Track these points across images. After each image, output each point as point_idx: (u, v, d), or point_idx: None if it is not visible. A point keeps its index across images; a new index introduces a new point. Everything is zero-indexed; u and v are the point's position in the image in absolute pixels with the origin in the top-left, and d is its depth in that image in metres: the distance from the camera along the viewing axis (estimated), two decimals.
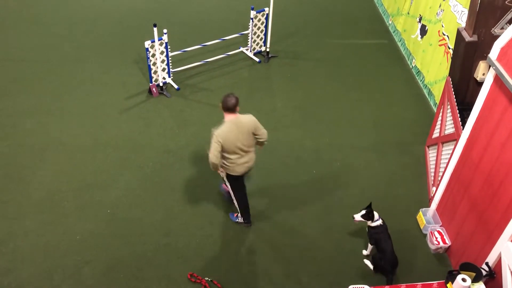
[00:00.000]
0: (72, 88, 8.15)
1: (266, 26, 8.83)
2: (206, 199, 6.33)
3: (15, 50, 9.00)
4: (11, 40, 9.27)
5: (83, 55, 8.98)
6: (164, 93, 8.10)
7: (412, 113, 8.00)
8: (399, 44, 9.76)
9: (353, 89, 8.51)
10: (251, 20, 8.57)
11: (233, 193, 5.77)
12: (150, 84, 8.05)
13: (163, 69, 8.08)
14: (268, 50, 9.10)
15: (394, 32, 10.08)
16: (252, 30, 8.76)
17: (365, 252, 5.76)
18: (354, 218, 5.49)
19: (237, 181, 5.64)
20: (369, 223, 5.47)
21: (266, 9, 8.63)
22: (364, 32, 10.20)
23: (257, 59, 9.06)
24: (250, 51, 9.14)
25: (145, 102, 7.93)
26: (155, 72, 8.00)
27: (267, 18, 8.71)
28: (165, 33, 7.65)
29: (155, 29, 7.41)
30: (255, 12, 8.53)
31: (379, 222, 5.43)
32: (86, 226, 5.90)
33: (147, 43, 7.55)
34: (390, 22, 10.33)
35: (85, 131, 7.28)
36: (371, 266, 5.60)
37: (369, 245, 5.63)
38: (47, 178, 6.49)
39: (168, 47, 7.90)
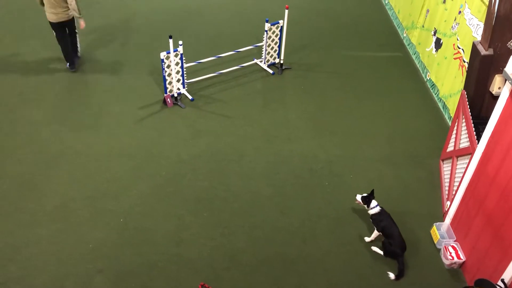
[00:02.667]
0: (88, 97, 8.26)
1: (280, 38, 8.88)
2: (218, 209, 6.34)
3: (33, 60, 9.17)
4: (29, 51, 9.45)
5: (98, 66, 9.10)
6: (179, 103, 8.16)
7: (426, 126, 7.94)
8: (413, 57, 9.73)
9: (367, 101, 8.49)
10: (265, 32, 8.63)
11: (57, 40, 8.56)
12: (165, 95, 8.12)
13: (178, 80, 8.16)
14: (282, 62, 9.14)
15: (408, 45, 10.06)
16: (266, 42, 8.81)
17: (367, 239, 5.98)
18: (356, 197, 6.03)
19: (57, 29, 8.35)
20: (367, 209, 5.89)
21: (281, 21, 8.69)
22: (378, 45, 10.19)
23: (271, 71, 9.10)
24: (264, 62, 9.19)
25: (160, 112, 8.00)
26: (170, 83, 8.08)
27: (281, 31, 8.76)
28: (181, 45, 7.74)
29: (170, 40, 7.50)
30: (269, 25, 8.59)
31: (375, 210, 5.82)
32: (98, 234, 5.94)
33: (163, 54, 7.64)
34: (404, 35, 10.31)
35: (100, 140, 7.35)
36: (381, 252, 5.83)
37: (375, 231, 5.90)
38: (61, 186, 6.56)
39: (183, 58, 7.98)
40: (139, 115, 7.89)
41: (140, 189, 6.57)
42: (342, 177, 6.90)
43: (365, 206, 5.94)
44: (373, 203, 5.87)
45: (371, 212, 5.88)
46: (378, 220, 5.82)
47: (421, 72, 9.27)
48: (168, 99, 8.12)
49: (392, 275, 5.56)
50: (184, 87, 8.40)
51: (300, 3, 11.58)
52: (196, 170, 6.90)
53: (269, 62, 9.25)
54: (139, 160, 7.03)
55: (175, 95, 8.17)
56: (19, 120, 7.67)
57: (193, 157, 7.12)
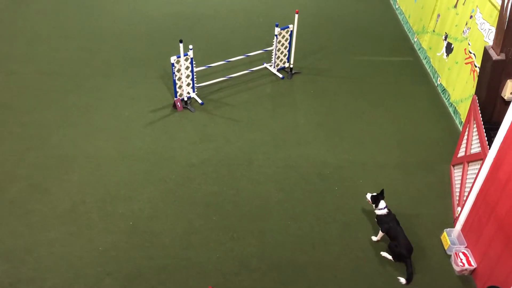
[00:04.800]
0: (99, 101, 8.33)
1: (290, 43, 8.89)
2: (227, 214, 6.34)
3: (45, 64, 9.27)
4: (42, 54, 9.55)
5: (110, 70, 9.18)
6: (188, 107, 8.19)
7: (437, 132, 7.89)
8: (424, 61, 9.68)
9: (377, 106, 8.46)
10: (275, 37, 8.64)
11: None
12: (175, 99, 8.16)
13: (188, 84, 8.19)
14: (291, 66, 9.14)
15: (419, 49, 10.01)
16: (276, 46, 8.82)
17: (374, 238, 6.04)
18: (366, 195, 6.14)
19: None
20: (375, 209, 5.94)
21: (291, 26, 8.70)
22: (388, 50, 10.16)
23: (280, 75, 9.11)
24: (274, 67, 9.20)
25: (170, 116, 8.04)
26: (180, 86, 8.12)
27: (291, 35, 8.77)
28: (191, 49, 7.77)
29: (181, 45, 7.54)
30: (279, 29, 8.60)
31: (383, 212, 5.85)
32: (108, 237, 5.96)
33: (173, 59, 7.68)
34: (415, 39, 10.28)
35: (110, 144, 7.40)
36: (390, 257, 5.81)
37: (380, 232, 5.93)
38: (72, 189, 6.61)
39: (193, 62, 8.01)
40: (149, 119, 7.93)
41: (149, 193, 6.60)
42: (352, 183, 6.87)
43: (373, 205, 5.97)
44: (382, 204, 5.89)
45: (378, 212, 5.92)
46: (382, 222, 5.87)
47: (432, 76, 9.22)
48: (178, 103, 8.16)
49: (403, 280, 5.53)
50: (194, 91, 8.44)
51: (310, 8, 11.60)
52: (206, 174, 6.92)
53: (279, 67, 9.26)
54: (149, 164, 7.06)
55: (185, 99, 8.20)
56: (31, 123, 7.75)
57: (203, 161, 7.14)
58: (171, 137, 7.58)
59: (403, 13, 11.23)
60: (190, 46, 7.78)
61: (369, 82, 9.11)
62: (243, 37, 10.35)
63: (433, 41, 9.28)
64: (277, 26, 8.56)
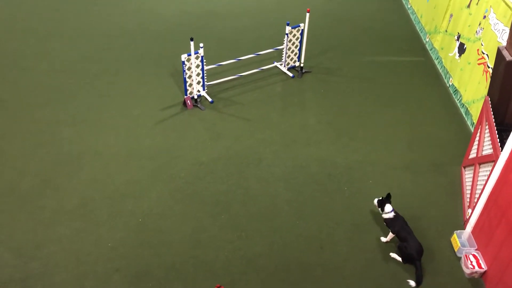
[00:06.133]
0: (110, 98, 8.37)
1: (301, 42, 8.86)
2: (236, 213, 6.34)
3: (58, 61, 9.34)
4: (55, 52, 9.63)
5: (121, 67, 9.22)
6: (198, 105, 8.20)
7: (448, 133, 7.82)
8: (436, 62, 9.60)
9: (387, 106, 8.40)
10: (286, 36, 8.62)
11: None
12: (185, 97, 8.17)
13: (198, 82, 8.20)
14: (302, 65, 9.11)
15: (431, 50, 9.93)
16: (287, 45, 8.80)
17: (383, 239, 6.00)
18: (374, 201, 6.16)
19: None
20: (381, 213, 5.95)
21: (302, 25, 8.67)
22: (400, 50, 10.09)
23: (290, 74, 9.08)
24: (284, 66, 9.18)
25: (180, 114, 8.05)
26: (190, 85, 8.13)
27: (302, 34, 8.74)
28: (201, 47, 7.78)
29: (191, 43, 7.55)
30: (290, 28, 8.57)
31: (390, 215, 5.86)
32: (117, 234, 5.99)
33: (184, 57, 7.70)
34: (427, 39, 10.19)
35: (120, 141, 7.44)
36: (399, 258, 5.77)
37: (390, 233, 5.92)
38: (82, 186, 6.65)
39: (204, 60, 8.02)
40: (159, 117, 7.96)
41: (159, 191, 6.62)
42: (361, 183, 6.83)
43: (379, 210, 5.97)
44: (388, 207, 5.88)
45: (385, 216, 5.93)
46: (391, 225, 5.89)
47: (444, 77, 9.14)
48: (188, 101, 8.17)
49: (412, 283, 5.48)
50: (204, 89, 8.44)
51: (321, 8, 11.56)
52: (215, 173, 6.92)
53: (289, 66, 9.24)
54: (159, 162, 7.08)
55: (195, 97, 8.21)
56: (42, 120, 7.81)
57: (212, 160, 7.14)
58: (180, 135, 7.60)
59: (415, 13, 11.14)
60: (201, 44, 7.78)
61: (380, 82, 9.06)
62: (254, 36, 10.34)
63: (445, 41, 9.20)
64: (288, 24, 8.53)
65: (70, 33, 10.24)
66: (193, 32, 10.20)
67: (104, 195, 6.52)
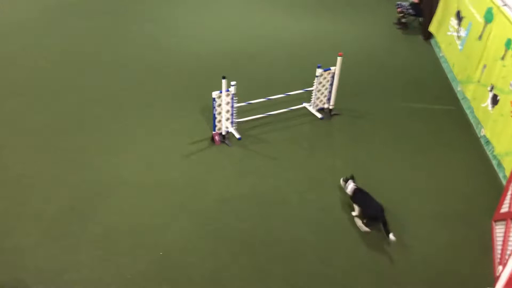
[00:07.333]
0: (141, 130, 8.51)
1: (331, 84, 8.91)
2: (258, 252, 6.25)
3: (93, 91, 9.60)
4: (90, 83, 9.91)
5: (154, 101, 9.41)
6: (226, 142, 8.27)
7: (478, 184, 7.63)
8: (467, 111, 9.50)
9: (416, 153, 8.30)
10: (316, 78, 8.70)
11: None
12: (213, 132, 8.25)
13: (227, 119, 8.29)
14: (331, 107, 9.13)
15: (462, 99, 9.85)
16: (317, 87, 8.86)
17: (353, 213, 6.77)
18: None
19: None
20: (345, 191, 6.92)
21: (333, 68, 8.74)
22: (431, 97, 10.04)
23: (319, 115, 9.11)
24: (313, 107, 9.22)
25: (207, 149, 8.12)
26: (219, 121, 8.22)
27: (333, 77, 8.80)
28: (233, 85, 7.90)
29: (223, 81, 7.68)
30: (321, 70, 8.65)
31: (350, 188, 6.80)
32: (137, 266, 5.96)
33: (215, 94, 7.82)
34: (459, 89, 10.12)
35: (148, 172, 7.51)
36: (363, 227, 6.49)
37: (355, 206, 6.75)
38: (107, 215, 6.69)
39: (234, 98, 8.13)
40: (187, 151, 8.03)
41: (182, 224, 6.60)
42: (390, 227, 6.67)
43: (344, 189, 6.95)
44: (350, 184, 6.86)
45: (348, 191, 6.87)
46: (354, 198, 6.77)
47: (475, 127, 9.01)
48: (216, 137, 8.24)
49: (392, 236, 6.14)
50: (232, 126, 8.52)
51: (353, 51, 11.66)
52: (239, 211, 6.88)
53: (318, 107, 9.27)
54: (184, 195, 7.10)
55: (223, 133, 8.29)
56: (73, 147, 7.98)
57: (237, 197, 7.12)
58: (207, 170, 7.63)
59: (447, 62, 11.13)
60: (233, 82, 7.91)
61: (409, 128, 8.98)
62: (285, 77, 10.46)
63: (477, 92, 9.11)
64: (319, 67, 8.62)
65: (109, 65, 10.56)
66: (225, 71, 10.38)
67: (128, 226, 6.53)
